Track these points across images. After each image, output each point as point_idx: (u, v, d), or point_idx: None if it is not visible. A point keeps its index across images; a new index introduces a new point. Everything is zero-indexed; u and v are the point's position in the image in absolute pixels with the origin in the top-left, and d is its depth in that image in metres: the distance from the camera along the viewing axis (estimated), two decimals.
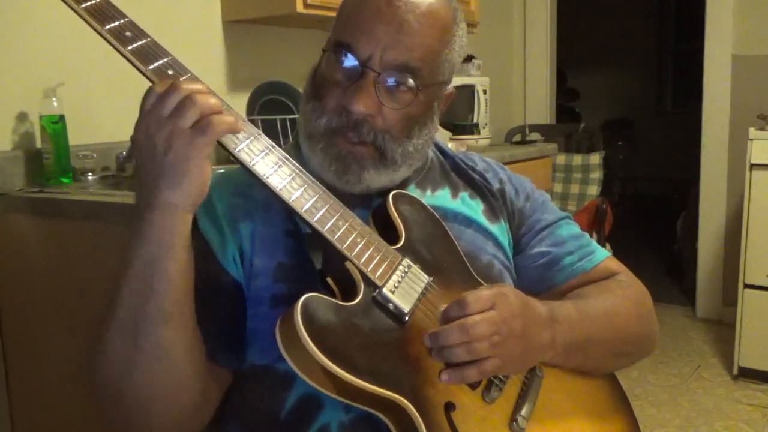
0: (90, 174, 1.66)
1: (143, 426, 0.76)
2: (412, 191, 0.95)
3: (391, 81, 0.84)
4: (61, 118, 1.61)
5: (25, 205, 1.50)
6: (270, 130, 1.88)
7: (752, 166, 2.65)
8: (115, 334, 0.72)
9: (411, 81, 0.85)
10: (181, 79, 0.72)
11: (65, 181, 1.61)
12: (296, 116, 1.83)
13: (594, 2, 6.06)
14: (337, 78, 0.86)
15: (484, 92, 2.70)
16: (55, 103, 1.60)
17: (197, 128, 0.68)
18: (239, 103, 2.06)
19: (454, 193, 1.01)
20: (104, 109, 1.81)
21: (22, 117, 1.65)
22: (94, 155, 1.69)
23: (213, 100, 0.69)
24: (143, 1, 1.90)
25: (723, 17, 3.26)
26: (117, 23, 0.72)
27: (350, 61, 0.85)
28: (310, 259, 0.82)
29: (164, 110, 0.68)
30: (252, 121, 2.06)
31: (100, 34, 0.71)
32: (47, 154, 1.60)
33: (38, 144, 1.65)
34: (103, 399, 0.76)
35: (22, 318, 1.54)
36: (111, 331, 0.72)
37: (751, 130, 2.69)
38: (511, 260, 1.02)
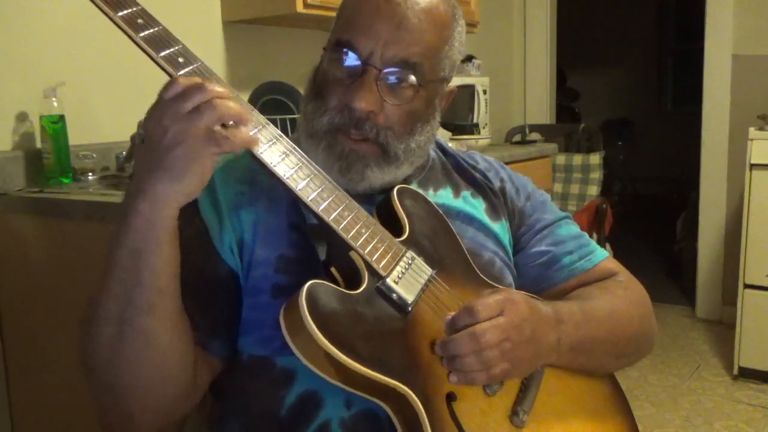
0: (90, 174, 1.66)
1: (130, 410, 0.76)
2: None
3: (392, 77, 0.85)
4: (61, 118, 1.61)
5: (25, 205, 1.50)
6: None
7: (752, 166, 2.65)
8: (101, 320, 0.72)
9: (412, 77, 0.85)
10: (172, 49, 0.73)
11: (65, 181, 1.61)
12: (296, 116, 1.83)
13: (594, 2, 6.06)
14: (339, 76, 0.87)
15: (484, 92, 2.70)
16: (55, 103, 1.60)
17: (213, 137, 0.67)
18: None
19: (456, 192, 1.01)
20: (104, 109, 1.81)
21: (22, 117, 1.66)
22: (94, 155, 1.69)
23: (235, 108, 0.69)
24: (143, 2, 1.90)
25: (723, 17, 3.26)
26: (129, 10, 0.72)
27: (351, 58, 0.85)
28: (314, 251, 0.83)
29: (185, 106, 0.67)
30: None
31: (113, 21, 0.71)
32: (47, 154, 1.61)
33: (38, 144, 1.66)
34: (92, 382, 0.77)
35: (22, 318, 1.54)
36: (98, 317, 0.72)
37: (751, 130, 2.69)
38: (512, 258, 1.02)
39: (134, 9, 0.73)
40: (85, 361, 0.75)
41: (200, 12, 2.08)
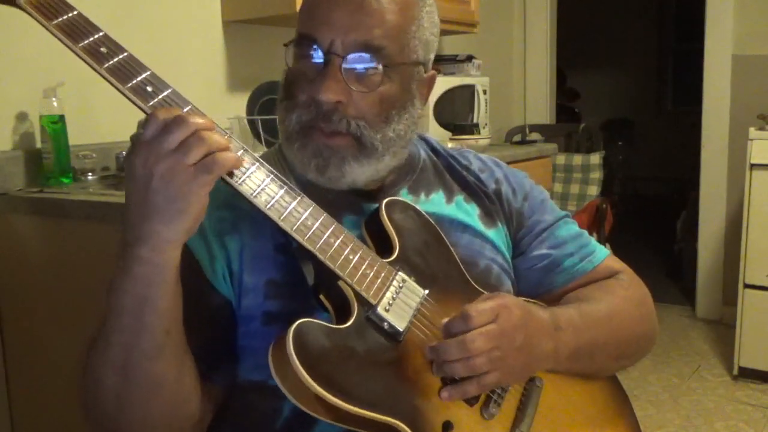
0: (90, 174, 1.66)
1: None
2: (405, 196, 0.93)
3: (356, 63, 0.82)
4: (61, 118, 1.60)
5: (25, 205, 1.50)
6: (270, 130, 1.87)
7: (752, 166, 2.65)
8: (107, 368, 0.71)
9: (376, 60, 0.82)
10: (185, 110, 0.69)
11: (65, 181, 1.61)
12: None
13: (594, 2, 6.06)
14: (305, 71, 0.84)
15: (484, 92, 2.70)
16: (55, 103, 1.60)
17: (202, 166, 0.65)
18: (239, 103, 2.05)
19: (449, 197, 0.98)
20: (104, 109, 1.81)
21: (22, 117, 1.65)
22: (94, 155, 1.69)
23: (219, 137, 0.67)
24: (144, 1, 1.90)
25: (723, 17, 3.25)
26: (91, 39, 0.69)
27: (314, 51, 0.83)
28: (302, 274, 0.80)
29: (168, 143, 0.64)
30: (252, 121, 2.05)
31: (74, 52, 0.68)
32: (47, 154, 1.60)
33: (38, 144, 1.65)
34: (97, 427, 0.76)
35: (22, 318, 1.54)
36: (103, 365, 0.71)
37: (751, 130, 2.69)
38: (510, 263, 1.00)
39: (96, 36, 0.70)
40: (90, 407, 0.75)
41: (200, 12, 2.08)
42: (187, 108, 0.71)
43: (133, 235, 0.67)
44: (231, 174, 0.70)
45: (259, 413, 0.83)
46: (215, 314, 0.82)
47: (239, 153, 0.71)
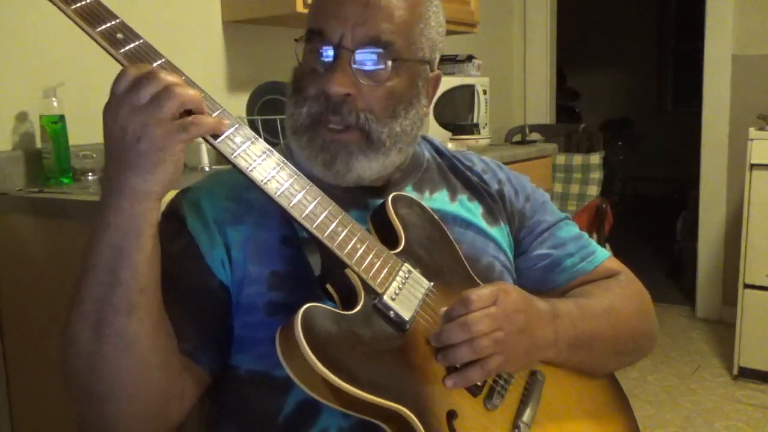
0: (90, 174, 1.66)
1: (110, 416, 0.74)
2: (409, 193, 0.94)
3: (365, 58, 0.83)
4: (61, 118, 1.60)
5: (25, 205, 1.50)
6: (270, 130, 1.87)
7: (752, 166, 2.65)
8: (80, 323, 0.71)
9: (386, 55, 0.83)
10: (155, 64, 0.70)
11: (65, 181, 1.61)
12: None
13: (594, 2, 6.06)
14: (314, 66, 0.85)
15: (484, 92, 2.70)
16: (55, 103, 1.60)
17: (180, 125, 0.66)
18: (239, 103, 2.06)
19: (453, 196, 0.99)
20: None
21: (22, 117, 1.65)
22: (94, 155, 1.69)
23: (192, 92, 0.67)
24: (143, 1, 1.90)
25: (723, 17, 3.26)
26: (108, 25, 0.70)
27: (323, 45, 0.84)
28: (308, 266, 0.81)
29: (140, 98, 0.65)
30: (252, 122, 2.05)
31: (91, 37, 0.69)
32: (47, 154, 1.60)
33: (38, 144, 1.65)
34: (72, 389, 0.75)
35: (22, 318, 1.54)
36: (76, 320, 0.71)
37: (751, 130, 2.69)
38: (512, 261, 1.01)
39: (113, 23, 0.71)
40: (65, 367, 0.74)
41: (200, 12, 2.08)
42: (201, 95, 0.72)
43: (111, 187, 0.68)
44: (238, 157, 0.71)
45: (261, 409, 0.83)
46: (208, 295, 0.83)
47: (249, 143, 0.73)
